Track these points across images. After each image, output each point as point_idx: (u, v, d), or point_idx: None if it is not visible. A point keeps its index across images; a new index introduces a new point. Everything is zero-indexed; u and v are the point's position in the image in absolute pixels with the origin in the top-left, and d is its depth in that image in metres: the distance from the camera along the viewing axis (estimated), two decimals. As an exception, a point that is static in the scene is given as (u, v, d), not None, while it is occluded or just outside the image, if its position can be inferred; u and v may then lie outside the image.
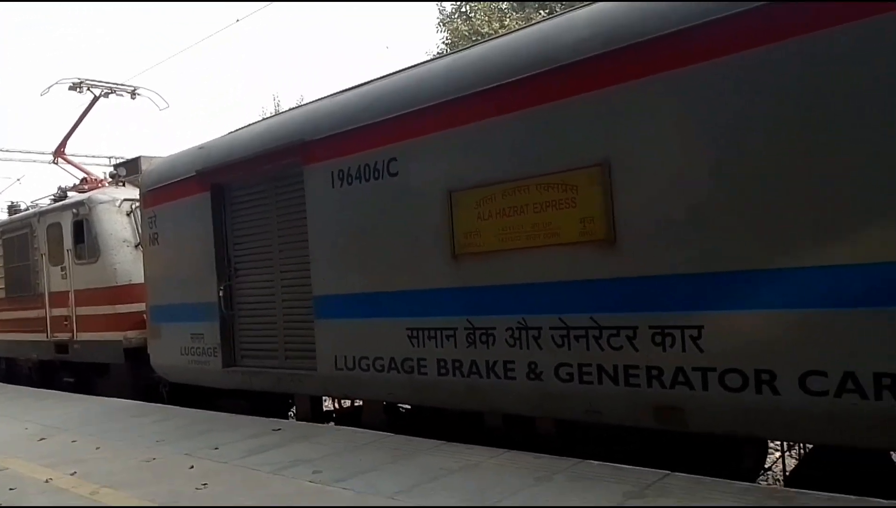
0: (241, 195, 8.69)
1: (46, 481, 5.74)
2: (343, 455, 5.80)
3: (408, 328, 6.52)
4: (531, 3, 26.48)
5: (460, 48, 6.67)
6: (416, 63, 7.07)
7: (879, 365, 3.99)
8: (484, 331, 5.93)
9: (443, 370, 6.23)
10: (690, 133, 4.73)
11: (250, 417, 7.95)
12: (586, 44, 5.27)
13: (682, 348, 4.79)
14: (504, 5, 27.89)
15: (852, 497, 3.81)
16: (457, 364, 6.12)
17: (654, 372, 4.91)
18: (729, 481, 4.36)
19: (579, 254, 5.31)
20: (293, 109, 8.37)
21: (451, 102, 6.14)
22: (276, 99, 42.02)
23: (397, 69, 7.21)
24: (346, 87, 7.63)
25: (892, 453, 4.75)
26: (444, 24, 29.15)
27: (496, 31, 21.64)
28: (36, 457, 6.67)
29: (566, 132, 5.37)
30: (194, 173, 8.98)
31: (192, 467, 5.82)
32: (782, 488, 4.11)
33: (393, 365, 6.63)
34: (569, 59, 5.35)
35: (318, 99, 7.98)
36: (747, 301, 4.49)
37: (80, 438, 7.49)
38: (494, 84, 5.80)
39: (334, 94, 7.82)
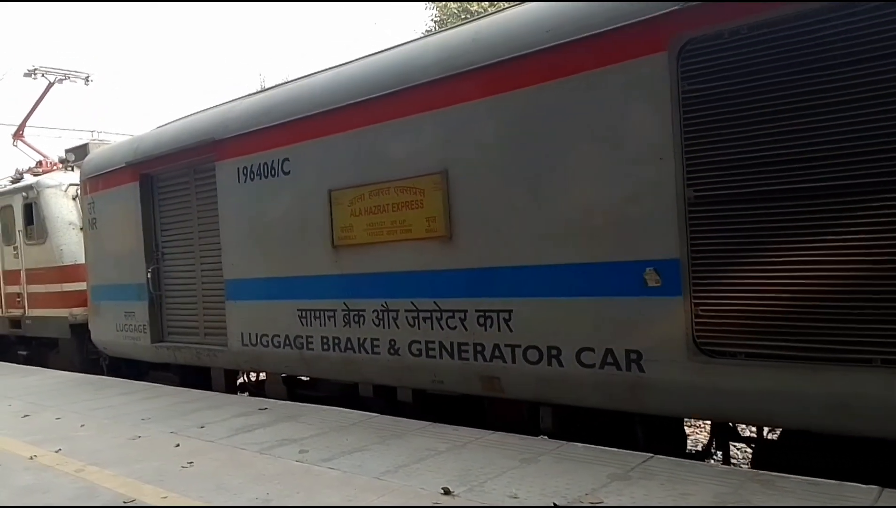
0: (166, 185, 9.53)
1: (31, 458, 5.73)
2: (330, 434, 5.82)
3: (298, 310, 7.46)
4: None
5: (340, 63, 7.50)
6: (308, 73, 7.91)
7: (629, 343, 4.99)
8: (357, 313, 6.88)
9: (325, 346, 7.20)
10: (505, 148, 5.64)
11: (238, 396, 8.14)
12: (432, 68, 6.15)
13: (498, 328, 5.76)
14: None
15: (832, 481, 3.97)
16: (336, 341, 7.08)
17: (479, 348, 5.89)
18: (710, 464, 4.66)
19: (425, 248, 6.25)
20: (209, 108, 9.16)
21: (332, 111, 7.01)
22: (262, 78, 42.06)
23: (294, 77, 8.05)
24: (254, 91, 8.45)
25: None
26: (432, 1, 28.98)
27: (485, 10, 21.78)
28: (20, 434, 6.69)
29: (417, 143, 6.27)
30: (125, 164, 9.79)
31: (177, 445, 5.82)
32: (763, 472, 4.25)
33: (287, 342, 7.58)
34: (418, 80, 6.23)
35: (230, 100, 8.81)
36: (541, 290, 5.46)
37: (65, 415, 7.47)
38: (364, 98, 6.67)
39: (243, 96, 8.67)
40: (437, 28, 24.74)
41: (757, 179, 4.37)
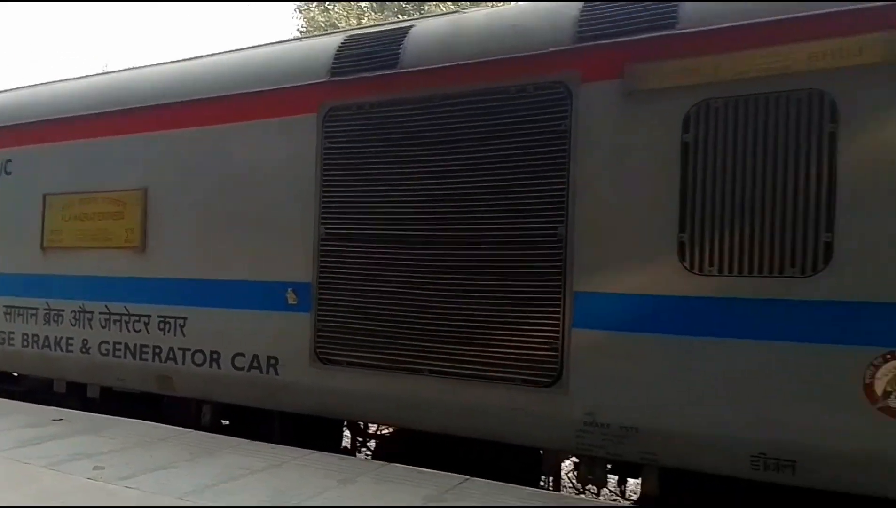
0: None
1: None
2: (133, 450, 5.42)
3: (5, 306, 7.68)
4: (390, 3, 26.42)
5: (62, 79, 7.95)
6: (38, 82, 8.25)
7: (271, 350, 5.92)
8: (56, 312, 7.27)
9: (25, 343, 7.47)
10: (194, 176, 6.43)
11: (29, 404, 7.33)
12: (142, 96, 6.83)
13: (174, 333, 6.48)
14: (364, 4, 27.73)
15: (626, 504, 4.53)
16: (35, 338, 7.40)
17: (157, 350, 6.56)
18: (521, 487, 4.76)
19: (122, 257, 6.84)
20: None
21: (54, 121, 7.42)
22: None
23: (30, 84, 8.34)
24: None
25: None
26: (300, 12, 28.85)
27: (352, 27, 21.50)
28: None
29: (125, 161, 6.89)
30: None
31: (-60, 457, 5.08)
32: (568, 495, 4.54)
33: (-7, 337, 7.75)
34: (131, 104, 6.87)
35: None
36: (210, 301, 6.27)
37: None
38: (84, 113, 7.18)
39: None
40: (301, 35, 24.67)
41: (363, 224, 5.52)
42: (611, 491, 5.44)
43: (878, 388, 3.85)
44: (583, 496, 4.56)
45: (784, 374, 4.08)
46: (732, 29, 4.22)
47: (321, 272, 5.72)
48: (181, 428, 6.22)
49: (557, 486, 5.17)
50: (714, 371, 4.26)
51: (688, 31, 4.37)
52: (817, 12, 4.01)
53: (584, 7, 4.83)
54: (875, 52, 3.83)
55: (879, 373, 3.85)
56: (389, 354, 5.38)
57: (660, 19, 4.47)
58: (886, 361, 3.83)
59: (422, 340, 5.25)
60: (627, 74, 4.50)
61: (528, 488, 4.67)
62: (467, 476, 4.81)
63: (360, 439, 6.62)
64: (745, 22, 4.19)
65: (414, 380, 5.28)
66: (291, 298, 5.86)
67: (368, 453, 6.69)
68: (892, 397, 3.82)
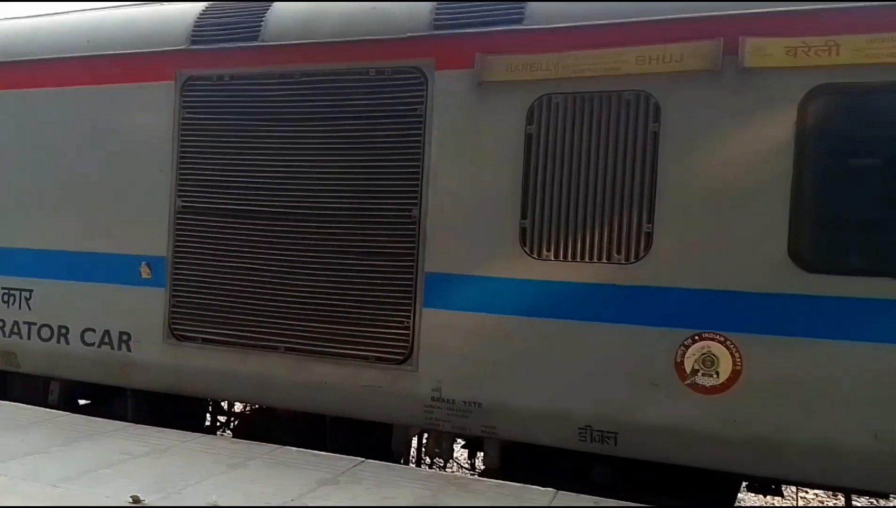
0: None
1: None
2: (1, 435, 5.10)
3: None
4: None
5: None
6: None
7: (122, 326, 5.75)
8: None
9: None
10: (47, 139, 6.06)
11: None
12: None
13: (19, 306, 6.15)
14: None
15: (517, 484, 4.46)
16: None
17: (1, 324, 6.21)
18: (415, 468, 4.81)
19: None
20: None
21: None
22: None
23: None
24: None
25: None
26: None
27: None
28: None
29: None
30: None
31: None
32: (461, 476, 4.60)
33: None
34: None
35: None
36: (59, 273, 5.99)
37: None
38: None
39: None
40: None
41: (221, 198, 5.43)
42: (460, 466, 5.71)
43: (688, 366, 4.26)
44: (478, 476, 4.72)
45: (608, 353, 4.43)
46: (572, 29, 4.46)
47: (177, 247, 5.60)
48: (55, 411, 5.89)
49: (408, 460, 5.37)
50: (548, 350, 4.56)
51: (533, 28, 4.57)
52: (645, 19, 4.30)
53: (443, -5, 4.94)
54: (693, 60, 4.17)
55: (689, 353, 4.26)
56: (246, 331, 5.37)
57: (508, 15, 4.65)
58: (695, 342, 4.24)
59: (278, 317, 5.27)
60: (478, 64, 4.66)
61: (420, 469, 4.70)
62: (363, 459, 4.80)
63: (220, 418, 6.58)
64: (583, 24, 4.43)
65: (270, 357, 5.31)
66: (145, 272, 5.70)
67: (228, 432, 6.66)
68: (700, 374, 4.24)
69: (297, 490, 4.15)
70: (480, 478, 4.47)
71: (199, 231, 5.52)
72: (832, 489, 4.37)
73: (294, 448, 5.00)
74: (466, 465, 5.65)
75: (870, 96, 3.96)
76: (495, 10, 4.70)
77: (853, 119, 4.05)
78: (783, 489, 5.77)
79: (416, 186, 4.89)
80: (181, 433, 5.33)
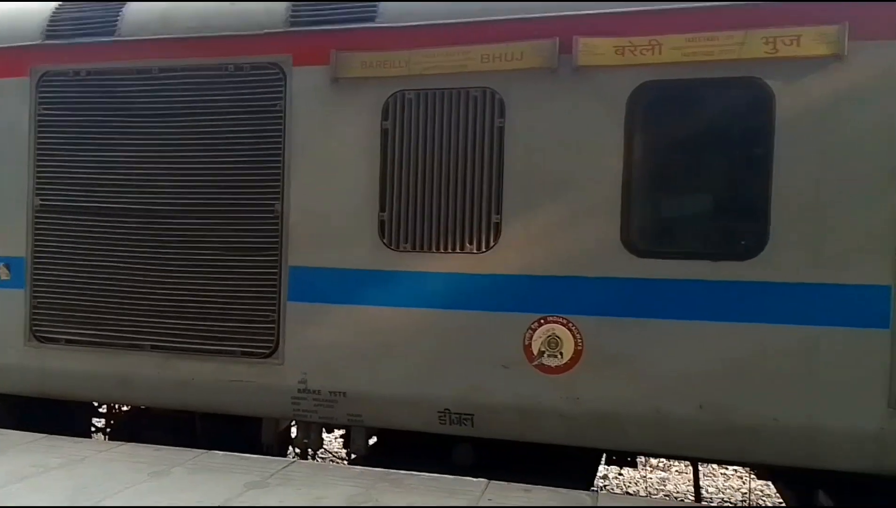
0: None
1: None
2: None
3: None
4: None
5: None
6: None
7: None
8: None
9: None
10: None
11: None
12: None
13: None
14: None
15: (450, 476, 4.44)
16: None
17: None
18: (347, 466, 4.70)
19: None
20: None
21: None
22: None
23: None
24: None
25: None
26: None
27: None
28: None
29: None
30: None
31: None
32: (392, 471, 4.48)
33: None
34: None
35: None
36: None
37: None
38: None
39: None
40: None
41: (81, 196, 5.31)
42: (333, 457, 5.80)
43: (535, 348, 4.49)
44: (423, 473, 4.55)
45: (463, 338, 4.61)
46: (421, 28, 4.61)
47: (36, 246, 5.45)
48: None
49: (284, 452, 5.43)
50: (408, 339, 4.71)
51: (385, 25, 4.69)
52: (489, 19, 4.49)
53: (298, -7, 4.99)
54: (532, 58, 4.39)
55: (535, 336, 4.49)
56: (110, 330, 5.28)
57: (362, 13, 4.75)
58: (541, 325, 4.48)
59: (143, 315, 5.21)
60: (334, 61, 4.75)
61: (354, 467, 4.71)
62: (293, 459, 4.66)
63: (97, 421, 6.44)
64: (431, 22, 4.59)
65: (135, 356, 5.24)
66: (3, 273, 5.52)
67: (103, 435, 6.51)
68: (546, 356, 4.48)
69: (224, 495, 4.04)
70: (412, 473, 4.51)
71: (60, 230, 5.39)
72: (668, 457, 4.71)
73: (220, 453, 4.88)
74: (338, 455, 5.73)
75: (689, 92, 4.28)
76: (349, 7, 4.79)
77: (675, 114, 4.37)
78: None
79: (278, 180, 4.93)
80: (99, 442, 5.13)
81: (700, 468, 5.66)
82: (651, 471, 8.01)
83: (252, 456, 4.81)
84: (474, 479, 4.41)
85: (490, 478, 4.44)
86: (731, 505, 6.85)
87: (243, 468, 4.54)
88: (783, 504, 3.82)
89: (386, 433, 5.10)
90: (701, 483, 5.70)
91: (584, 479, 4.95)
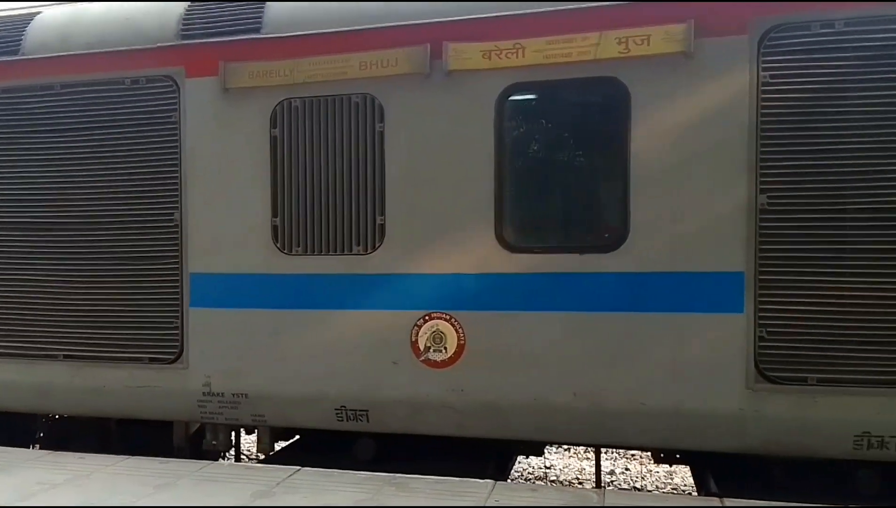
0: None
1: None
2: None
3: None
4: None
5: None
6: None
7: None
8: None
9: None
10: None
11: None
12: None
13: None
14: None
15: (455, 479, 4.44)
16: None
17: None
18: (352, 472, 4.66)
19: None
20: None
21: None
22: None
23: None
24: None
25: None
26: None
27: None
28: None
29: None
30: None
31: None
32: (398, 475, 4.48)
33: None
34: None
35: None
36: None
37: None
38: None
39: None
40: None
41: (-9, 212, 5.45)
42: (249, 458, 5.94)
43: (421, 344, 4.65)
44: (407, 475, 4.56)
45: (355, 337, 4.77)
46: (303, 37, 4.77)
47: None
48: None
49: (197, 454, 5.55)
50: (304, 339, 4.86)
51: (269, 36, 4.85)
52: (365, 27, 4.66)
53: (188, 7, 5.14)
54: (406, 64, 4.56)
55: (421, 332, 4.65)
56: (24, 341, 5.42)
57: (248, 24, 4.91)
58: (426, 321, 4.64)
59: (55, 325, 5.35)
60: (223, 72, 4.90)
61: (359, 472, 4.67)
62: (298, 468, 4.69)
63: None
64: (312, 32, 4.75)
65: (51, 366, 5.37)
66: None
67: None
68: (431, 351, 4.64)
69: (233, 504, 4.06)
70: (417, 476, 4.50)
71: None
72: (551, 443, 4.86)
73: (225, 463, 4.87)
74: (251, 455, 5.85)
75: (552, 93, 4.46)
76: (236, 19, 4.95)
77: (540, 115, 4.54)
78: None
79: (177, 190, 5.08)
80: (104, 456, 5.14)
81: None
82: (656, 465, 7.98)
83: (257, 466, 4.81)
84: (480, 480, 4.43)
85: (390, 471, 4.60)
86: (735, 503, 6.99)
87: (248, 477, 4.55)
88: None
89: (307, 432, 5.25)
90: (602, 467, 5.86)
91: (499, 469, 5.09)
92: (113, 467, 4.84)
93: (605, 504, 3.97)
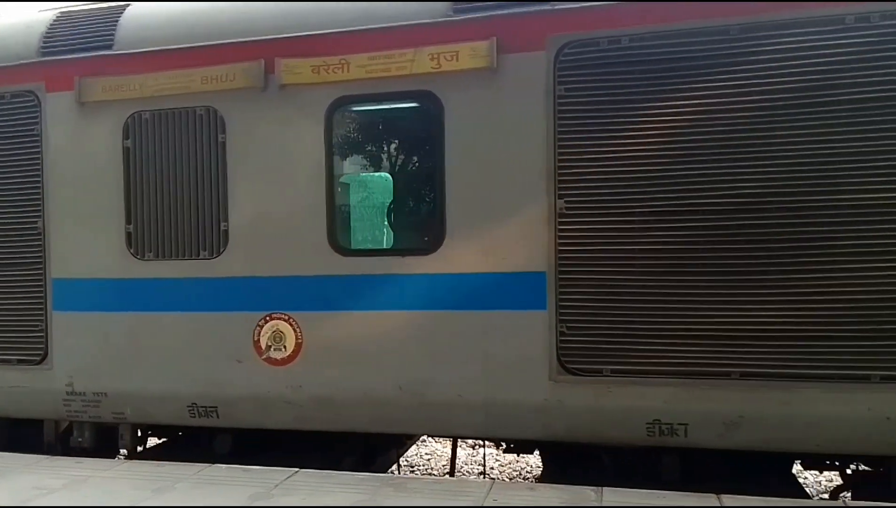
0: None
1: None
2: None
3: None
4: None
5: None
6: None
7: None
8: None
9: None
10: None
11: None
12: None
13: None
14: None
15: (453, 479, 4.62)
16: None
17: None
18: (350, 473, 4.70)
19: None
20: None
21: None
22: None
23: None
24: None
25: None
26: None
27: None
28: None
29: None
30: None
31: None
32: (396, 476, 4.58)
33: None
34: None
35: None
36: None
37: None
38: None
39: None
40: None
41: None
42: (125, 456, 6.10)
43: (263, 343, 4.91)
44: (395, 474, 4.77)
45: (204, 337, 5.02)
46: (150, 53, 5.03)
47: None
48: None
49: (67, 451, 5.75)
50: (157, 340, 5.11)
51: (120, 52, 5.11)
52: (205, 44, 4.93)
53: (50, 25, 5.39)
54: (243, 79, 4.83)
55: (263, 331, 4.91)
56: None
57: (101, 41, 5.16)
58: (267, 322, 4.90)
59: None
60: (78, 86, 5.15)
61: (356, 474, 4.72)
62: (296, 469, 4.71)
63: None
64: (158, 48, 5.01)
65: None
66: None
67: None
68: (272, 349, 4.89)
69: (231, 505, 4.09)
70: (415, 476, 4.67)
71: None
72: (380, 435, 5.07)
73: (224, 466, 4.89)
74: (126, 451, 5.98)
75: (375, 106, 4.75)
76: (91, 36, 5.20)
77: (364, 126, 4.83)
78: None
79: (39, 199, 5.32)
80: (100, 460, 5.17)
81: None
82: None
83: (255, 468, 4.80)
84: (479, 480, 4.57)
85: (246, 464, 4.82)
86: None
87: (246, 480, 4.55)
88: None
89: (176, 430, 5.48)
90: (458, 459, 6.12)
91: (363, 462, 5.32)
92: (110, 471, 4.87)
93: (604, 504, 4.06)
